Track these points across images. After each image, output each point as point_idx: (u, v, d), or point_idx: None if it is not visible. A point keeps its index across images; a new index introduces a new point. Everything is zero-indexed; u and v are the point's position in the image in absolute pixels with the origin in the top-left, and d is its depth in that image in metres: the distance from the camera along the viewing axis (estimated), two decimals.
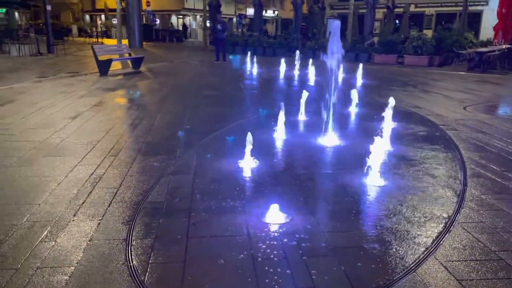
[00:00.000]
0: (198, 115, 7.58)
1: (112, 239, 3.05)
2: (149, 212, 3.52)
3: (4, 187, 3.94)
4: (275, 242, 3.05)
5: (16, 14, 36.32)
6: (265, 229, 3.23)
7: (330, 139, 5.78)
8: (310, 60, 14.07)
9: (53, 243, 2.97)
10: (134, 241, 3.02)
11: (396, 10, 25.52)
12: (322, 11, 28.72)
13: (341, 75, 10.49)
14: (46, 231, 3.12)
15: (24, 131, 5.95)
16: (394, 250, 2.98)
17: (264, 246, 2.98)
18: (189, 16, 42.80)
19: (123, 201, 3.72)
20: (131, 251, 2.88)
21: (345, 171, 4.67)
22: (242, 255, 2.86)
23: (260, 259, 2.83)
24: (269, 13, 44.34)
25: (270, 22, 46.90)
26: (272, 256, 2.87)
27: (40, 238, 3.02)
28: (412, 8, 30.51)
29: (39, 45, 18.14)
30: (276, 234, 3.17)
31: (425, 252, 2.95)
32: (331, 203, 3.89)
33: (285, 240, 3.08)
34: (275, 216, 3.37)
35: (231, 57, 19.26)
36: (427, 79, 13.68)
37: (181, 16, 42.27)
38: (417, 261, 2.84)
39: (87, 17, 46.87)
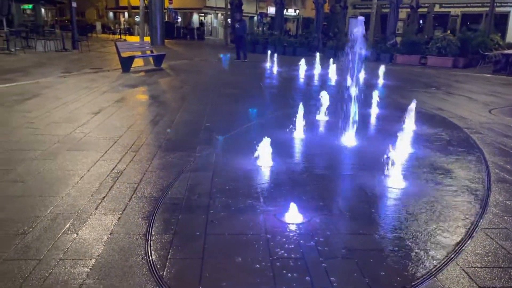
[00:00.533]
0: (217, 113, 7.62)
1: (132, 233, 3.09)
2: (168, 208, 3.56)
3: (28, 180, 4.04)
4: (293, 242, 3.04)
5: (43, 10, 37.19)
6: (283, 229, 3.23)
7: (350, 140, 5.72)
8: (331, 60, 13.96)
9: (75, 235, 3.03)
10: (154, 236, 3.06)
11: (420, 10, 25.07)
12: (344, 11, 28.46)
13: (362, 75, 10.39)
14: (69, 224, 3.19)
15: (49, 125, 6.09)
16: (414, 254, 2.93)
17: (282, 246, 2.98)
18: (211, 14, 43.02)
19: (143, 196, 3.77)
20: (150, 246, 2.92)
21: (365, 172, 4.61)
22: (259, 254, 2.86)
23: (277, 258, 2.82)
24: (290, 12, 44.17)
25: (291, 21, 46.73)
26: (289, 255, 2.86)
27: (63, 230, 3.09)
28: (436, 8, 29.95)
29: (64, 41, 18.53)
30: (294, 234, 3.16)
31: (447, 257, 2.89)
32: (350, 204, 3.85)
33: (303, 240, 3.07)
34: (293, 216, 3.36)
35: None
36: (450, 81, 13.41)
37: (202, 14, 42.52)
38: (438, 266, 2.79)
39: (111, 14, 47.63)
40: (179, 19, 40.22)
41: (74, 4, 19.13)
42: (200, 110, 7.75)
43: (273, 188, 4.13)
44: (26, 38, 17.94)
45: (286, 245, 2.99)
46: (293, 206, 3.38)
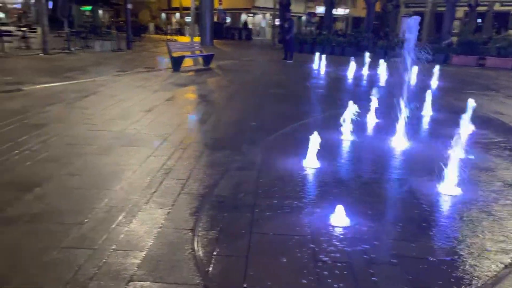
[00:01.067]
0: (264, 112, 7.65)
1: (180, 228, 3.18)
2: (214, 205, 3.63)
3: (85, 173, 4.27)
4: (339, 246, 2.99)
5: (100, 12, 39.12)
6: (329, 232, 3.19)
7: (400, 143, 5.54)
8: (381, 60, 13.58)
9: (127, 228, 3.16)
10: (200, 232, 3.13)
11: (479, 8, 23.81)
12: (396, 9, 27.63)
13: (415, 76, 10.03)
14: (121, 216, 3.33)
15: (104, 122, 6.40)
16: (467, 265, 2.79)
17: (327, 249, 2.94)
18: (259, 14, 43.24)
19: (191, 193, 3.86)
20: (197, 242, 2.99)
21: (416, 177, 4.45)
22: (304, 256, 2.84)
23: (323, 261, 2.79)
24: (339, 11, 43.45)
25: (341, 21, 45.96)
26: (335, 260, 2.82)
27: (116, 222, 3.23)
28: (497, 7, 28.27)
29: (119, 42, 19.39)
30: (340, 237, 3.11)
31: (504, 270, 2.73)
32: (399, 210, 3.74)
33: (349, 244, 3.01)
34: (339, 219, 3.31)
35: (295, 55, 19.14)
36: (511, 83, 12.61)
37: (251, 15, 42.85)
38: (494, 279, 2.64)
39: (163, 15, 49.20)
40: (228, 20, 40.79)
41: (129, 6, 19.95)
42: (247, 109, 7.83)
43: (319, 189, 4.09)
44: (85, 38, 18.95)
45: (332, 249, 2.95)
46: (339, 209, 3.33)
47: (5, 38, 15.33)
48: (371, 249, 2.95)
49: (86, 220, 3.25)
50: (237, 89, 10.49)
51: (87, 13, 35.41)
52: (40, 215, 3.32)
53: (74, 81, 9.97)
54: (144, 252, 2.83)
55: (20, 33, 17.13)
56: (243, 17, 42.53)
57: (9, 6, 33.14)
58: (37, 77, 10.02)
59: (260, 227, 3.24)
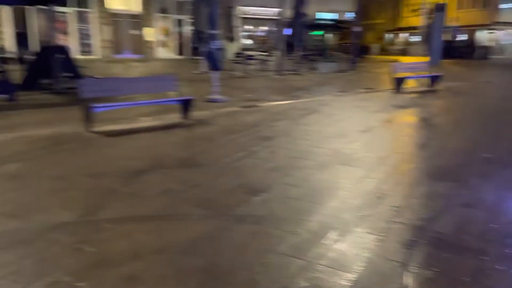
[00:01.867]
0: (501, 143, 6.55)
1: (391, 259, 3.00)
2: (432, 242, 3.28)
3: (303, 185, 4.55)
4: None
5: (328, 35, 41.67)
6: None
7: None
8: None
9: (337, 246, 3.19)
10: (413, 269, 2.87)
11: None
12: None
13: None
14: (332, 233, 3.39)
15: (323, 139, 6.71)
16: None
17: None
18: (499, 30, 37.63)
19: (404, 223, 3.61)
20: (409, 279, 2.76)
21: None
22: None
23: None
24: None
25: None
26: None
27: (327, 238, 3.31)
28: None
29: (343, 63, 20.19)
30: None
31: None
32: None
33: None
34: None
35: None
36: None
37: (491, 31, 37.73)
38: None
39: (387, 36, 48.62)
40: (461, 37, 37.06)
41: (357, 29, 20.54)
42: (478, 138, 6.86)
43: None
44: (312, 60, 20.52)
45: None
46: None
47: (250, 62, 18.10)
48: None
49: (300, 231, 3.44)
50: (466, 113, 9.35)
51: (316, 37, 38.26)
52: (263, 218, 3.71)
53: (299, 100, 10.87)
54: (353, 276, 2.78)
55: (261, 57, 19.91)
56: (478, 34, 37.86)
57: (255, 34, 39.32)
58: (269, 95, 11.38)
59: (489, 280, 2.75)
